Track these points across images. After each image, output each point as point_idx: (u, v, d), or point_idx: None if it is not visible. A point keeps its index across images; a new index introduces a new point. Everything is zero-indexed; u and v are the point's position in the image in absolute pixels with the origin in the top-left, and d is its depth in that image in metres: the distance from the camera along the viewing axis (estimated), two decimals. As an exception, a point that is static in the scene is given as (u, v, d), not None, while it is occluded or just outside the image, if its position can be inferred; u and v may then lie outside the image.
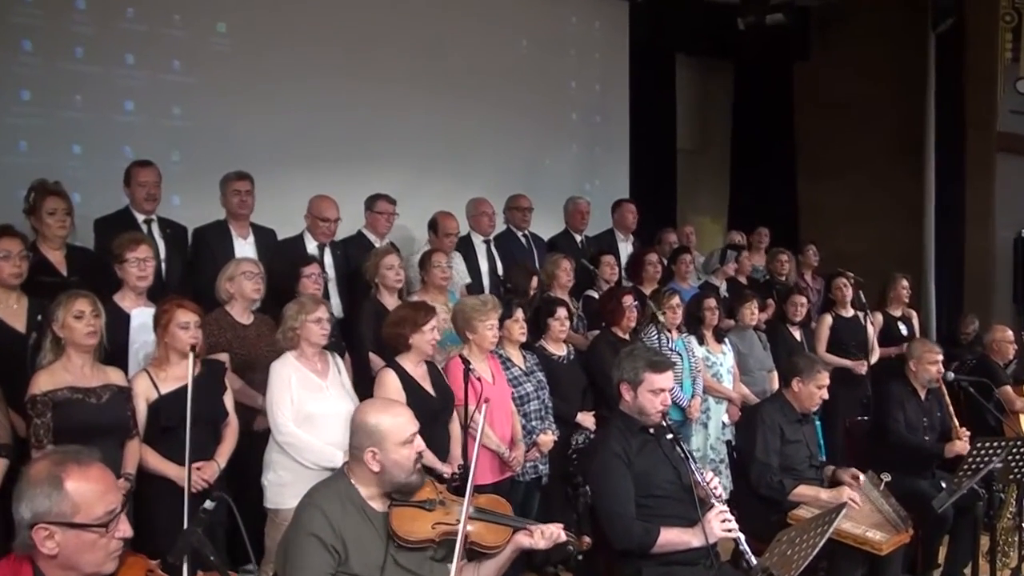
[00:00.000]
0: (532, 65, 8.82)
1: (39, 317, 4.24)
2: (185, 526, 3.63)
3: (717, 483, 3.92)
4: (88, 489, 2.31)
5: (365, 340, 5.48)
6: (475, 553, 3.21)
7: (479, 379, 4.76)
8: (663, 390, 3.97)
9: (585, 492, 4.15)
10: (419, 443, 3.15)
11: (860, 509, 4.61)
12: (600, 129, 9.54)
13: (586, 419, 5.63)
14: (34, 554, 2.31)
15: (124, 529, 2.35)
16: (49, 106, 6.39)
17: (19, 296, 4.44)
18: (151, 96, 6.73)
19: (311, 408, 4.51)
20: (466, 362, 4.66)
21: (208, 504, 2.59)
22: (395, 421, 3.11)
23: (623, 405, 4.07)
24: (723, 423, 6.44)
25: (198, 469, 4.20)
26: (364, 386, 4.90)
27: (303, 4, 7.39)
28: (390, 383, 4.62)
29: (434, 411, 4.69)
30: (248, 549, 2.91)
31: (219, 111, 6.95)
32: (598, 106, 9.50)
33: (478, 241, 6.99)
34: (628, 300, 6.16)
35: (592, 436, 5.61)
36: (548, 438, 5.30)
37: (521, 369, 5.38)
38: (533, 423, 5.31)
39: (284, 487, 4.47)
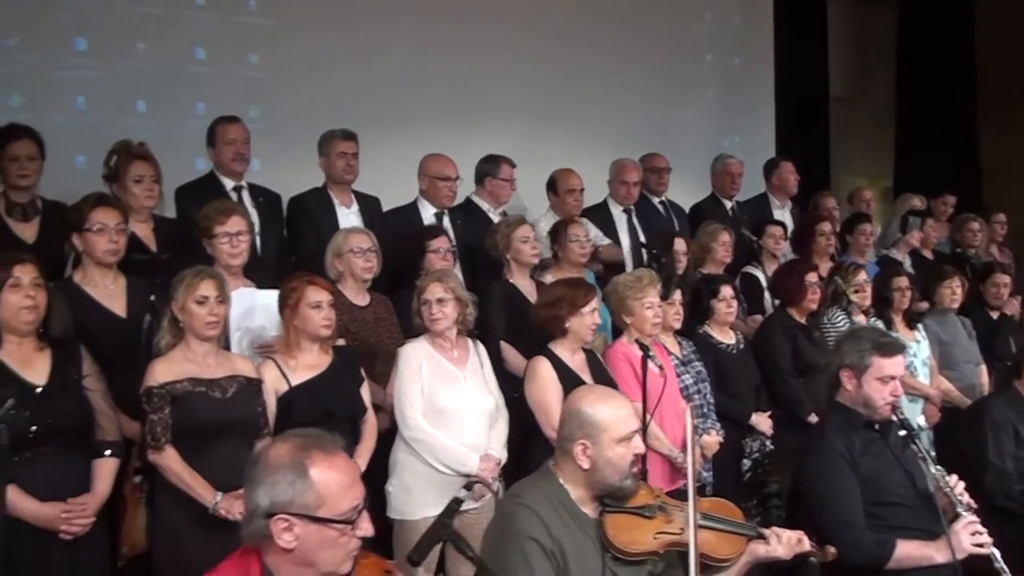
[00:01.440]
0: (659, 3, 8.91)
1: (152, 297, 4.41)
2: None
3: (963, 489, 3.93)
4: (334, 480, 2.44)
5: (495, 327, 5.58)
6: (704, 566, 3.27)
7: (661, 368, 4.86)
8: (893, 378, 4.01)
9: (779, 504, 4.26)
10: (638, 444, 3.23)
11: None
12: (740, 73, 9.58)
13: (762, 421, 5.72)
14: (264, 546, 2.45)
15: (366, 528, 2.47)
16: (108, 56, 6.62)
17: (116, 275, 4.61)
18: (224, 42, 6.95)
19: (444, 401, 4.67)
20: (644, 348, 4.76)
21: (462, 493, 2.72)
22: (615, 414, 3.22)
23: (842, 396, 4.13)
24: (918, 425, 6.42)
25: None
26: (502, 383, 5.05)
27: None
28: (545, 374, 4.77)
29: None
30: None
31: (303, 59, 7.14)
32: (738, 45, 9.56)
33: (617, 212, 7.10)
34: (812, 277, 6.23)
35: (767, 441, 5.71)
36: (713, 439, 5.40)
37: (678, 358, 5.50)
38: (695, 421, 5.37)
39: (410, 494, 4.63)
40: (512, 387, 5.12)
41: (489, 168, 6.62)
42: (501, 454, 4.77)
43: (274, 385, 4.39)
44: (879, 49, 11.00)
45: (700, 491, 5.44)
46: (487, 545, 3.20)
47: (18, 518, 3.56)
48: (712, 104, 9.39)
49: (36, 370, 3.87)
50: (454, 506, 2.76)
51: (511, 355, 5.49)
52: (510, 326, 5.56)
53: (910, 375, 6.40)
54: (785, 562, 3.35)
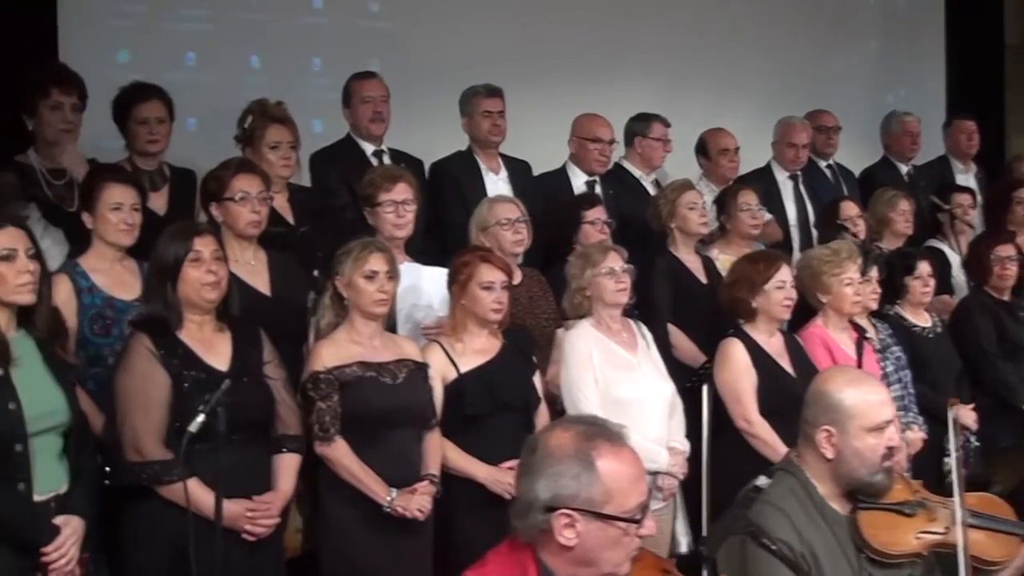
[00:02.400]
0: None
1: (316, 272, 4.52)
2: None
3: None
4: (622, 474, 2.50)
5: (660, 308, 5.61)
6: (973, 570, 3.30)
7: (880, 351, 4.88)
8: None
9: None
10: (892, 435, 3.24)
11: None
12: (906, 18, 9.46)
13: (966, 414, 5.62)
14: (540, 542, 2.53)
15: (650, 526, 2.54)
16: (217, 7, 6.80)
17: (256, 250, 4.71)
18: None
19: (622, 392, 4.74)
20: (860, 329, 4.78)
21: (762, 481, 2.77)
22: (865, 399, 3.25)
23: None
24: None
25: (511, 469, 4.43)
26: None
27: None
28: (738, 357, 4.85)
29: (796, 396, 4.82)
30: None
31: (430, 7, 7.23)
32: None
33: (783, 178, 7.09)
34: (1004, 250, 6.16)
35: (971, 437, 5.70)
36: (916, 435, 5.37)
37: (876, 343, 5.48)
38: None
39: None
40: (683, 376, 5.20)
41: (639, 127, 6.64)
42: (685, 446, 4.85)
43: (441, 371, 4.50)
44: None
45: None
46: (725, 547, 3.26)
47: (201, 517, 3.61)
48: (875, 54, 9.28)
49: (218, 354, 3.97)
50: (752, 495, 2.79)
51: (680, 340, 5.55)
52: (676, 307, 5.60)
53: None
54: None
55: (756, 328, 4.95)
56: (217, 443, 3.45)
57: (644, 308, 5.62)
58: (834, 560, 3.18)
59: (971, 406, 5.73)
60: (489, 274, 4.55)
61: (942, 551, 3.28)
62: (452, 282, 4.61)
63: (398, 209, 4.94)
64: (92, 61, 5.95)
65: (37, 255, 3.63)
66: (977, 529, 3.31)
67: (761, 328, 4.95)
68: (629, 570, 2.56)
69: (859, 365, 4.74)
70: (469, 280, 4.54)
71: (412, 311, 4.87)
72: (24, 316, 3.62)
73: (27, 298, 3.56)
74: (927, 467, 5.48)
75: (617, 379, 4.73)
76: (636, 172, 6.61)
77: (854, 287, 5.17)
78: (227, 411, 3.48)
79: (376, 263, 4.29)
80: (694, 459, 4.96)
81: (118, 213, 4.34)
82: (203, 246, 3.95)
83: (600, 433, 2.56)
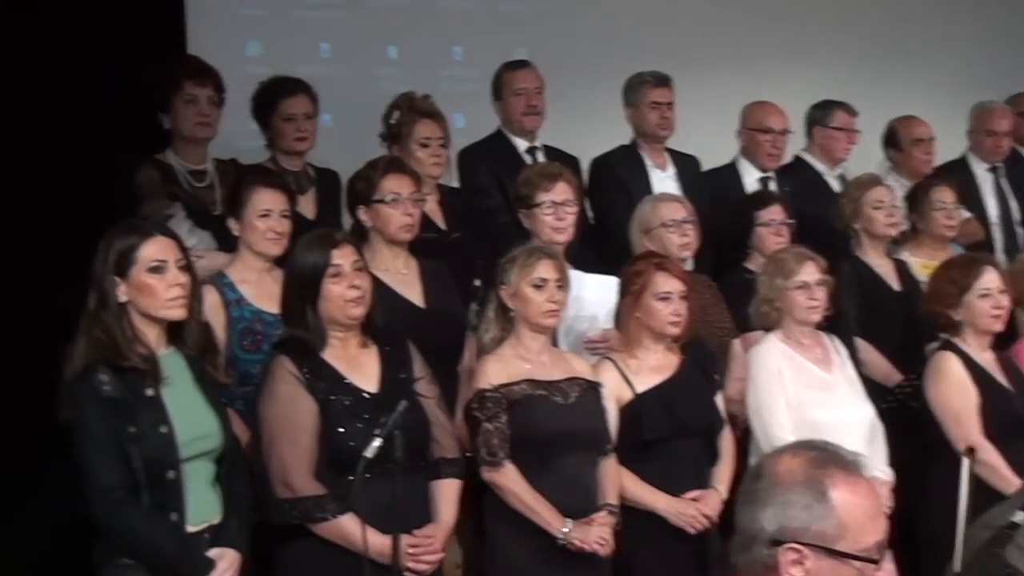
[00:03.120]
0: None
1: (476, 282, 4.52)
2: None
3: None
4: (859, 507, 2.42)
5: (847, 318, 5.48)
6: None
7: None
8: None
9: None
10: None
11: None
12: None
13: None
14: None
15: (889, 569, 2.47)
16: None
17: (407, 258, 4.72)
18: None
19: (818, 414, 4.67)
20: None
21: (1020, 517, 2.69)
22: None
23: None
24: None
25: (694, 500, 4.41)
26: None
27: None
28: (954, 372, 4.77)
29: (1018, 415, 4.74)
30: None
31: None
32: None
33: (981, 171, 6.90)
34: None
35: None
36: None
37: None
38: None
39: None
40: (876, 396, 5.09)
41: (819, 116, 6.54)
42: (889, 475, 4.75)
43: (615, 391, 4.47)
44: None
45: None
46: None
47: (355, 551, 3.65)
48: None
49: (365, 373, 3.98)
50: (1008, 532, 2.69)
51: (872, 356, 5.44)
52: (864, 318, 5.49)
53: None
54: None
55: (968, 341, 4.84)
56: (395, 472, 3.47)
57: (829, 320, 5.57)
58: None
59: None
60: (666, 283, 4.50)
61: None
62: (624, 293, 4.58)
63: (558, 211, 4.91)
64: (220, 54, 5.92)
65: (188, 266, 3.66)
66: None
67: (971, 342, 4.85)
68: None
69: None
70: (644, 290, 4.50)
71: (574, 323, 4.82)
72: (174, 332, 3.66)
73: (178, 313, 3.59)
74: None
75: (812, 400, 4.68)
76: (817, 166, 6.50)
77: (1077, 293, 5.04)
78: (404, 437, 3.51)
79: (545, 271, 4.28)
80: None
81: (266, 220, 4.38)
82: (343, 258, 3.94)
83: (834, 460, 2.47)
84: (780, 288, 4.76)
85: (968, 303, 4.83)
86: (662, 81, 6.04)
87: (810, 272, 4.76)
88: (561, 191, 4.94)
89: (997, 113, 6.94)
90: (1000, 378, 4.80)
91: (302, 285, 3.95)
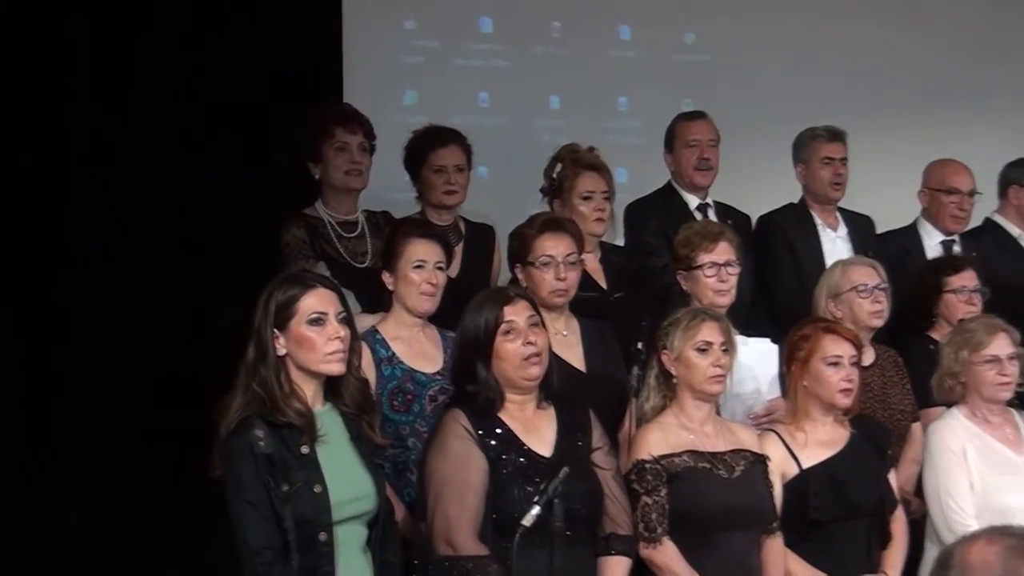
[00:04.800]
0: None
1: (639, 345, 4.54)
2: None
3: None
4: None
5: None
6: None
7: None
8: None
9: None
10: None
11: None
12: None
13: None
14: None
15: None
16: (514, 41, 6.98)
17: (568, 319, 4.76)
18: (654, 16, 7.17)
19: (1007, 500, 4.59)
20: None
21: None
22: None
23: None
24: None
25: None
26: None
27: None
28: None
29: None
30: None
31: (752, 38, 7.26)
32: None
33: None
34: None
35: None
36: None
37: None
38: None
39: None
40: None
41: (1016, 175, 6.47)
42: None
43: (780, 466, 4.45)
44: None
45: None
46: None
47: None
48: None
49: (542, 438, 3.98)
50: None
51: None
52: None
53: None
54: None
55: None
56: (553, 541, 3.51)
57: (1022, 397, 5.49)
58: None
59: None
60: (835, 347, 4.49)
61: None
62: (790, 359, 4.57)
63: (720, 272, 4.93)
64: (377, 103, 6.14)
65: (347, 320, 3.70)
66: None
67: None
68: None
69: None
70: (811, 355, 4.49)
71: (735, 389, 4.76)
72: (331, 388, 3.72)
73: (336, 368, 3.64)
74: None
75: (999, 484, 4.62)
76: (1012, 230, 6.43)
77: None
78: (565, 503, 3.55)
79: (710, 334, 4.29)
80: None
81: (421, 272, 4.45)
82: (515, 314, 3.96)
83: (1012, 539, 2.50)
84: (966, 361, 4.72)
85: None
86: (835, 136, 6.05)
87: (1002, 345, 4.72)
88: (723, 251, 4.96)
89: None
90: None
91: (474, 344, 3.96)
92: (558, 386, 4.22)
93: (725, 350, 4.32)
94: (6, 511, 5.39)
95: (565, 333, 4.72)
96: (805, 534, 4.41)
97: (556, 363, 4.42)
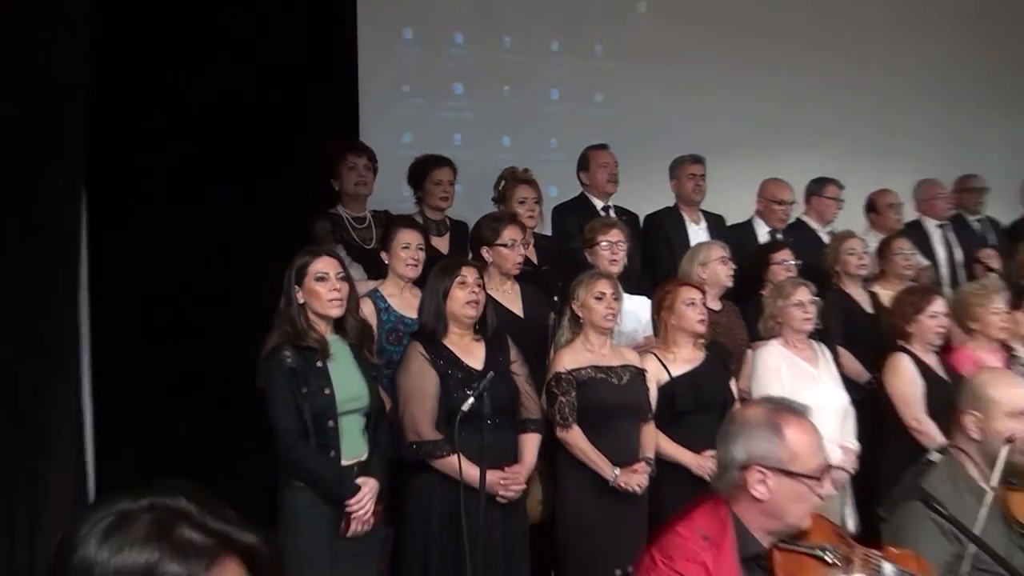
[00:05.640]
0: (964, 36, 8.47)
1: (556, 298, 4.55)
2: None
3: None
4: (805, 440, 2.47)
5: (832, 332, 5.40)
6: None
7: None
8: None
9: None
10: None
11: None
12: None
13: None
14: (734, 497, 2.49)
15: (828, 487, 2.46)
16: (478, 99, 6.92)
17: (512, 283, 4.75)
18: (574, 83, 7.14)
19: (805, 397, 4.45)
20: (1009, 348, 4.55)
21: (935, 456, 2.65)
22: (1010, 390, 3.12)
23: None
24: None
25: (711, 456, 4.34)
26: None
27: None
28: (907, 368, 4.65)
29: (951, 400, 4.60)
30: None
31: (640, 95, 7.24)
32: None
33: (931, 226, 6.81)
34: None
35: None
36: None
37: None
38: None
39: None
40: (851, 390, 4.96)
41: (816, 188, 6.48)
42: (855, 446, 4.66)
43: (656, 375, 4.43)
44: None
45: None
46: (895, 521, 3.12)
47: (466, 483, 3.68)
48: (1020, 124, 8.80)
49: (475, 357, 4.02)
50: (924, 467, 2.66)
51: (848, 360, 5.32)
52: (845, 333, 5.39)
53: None
54: None
55: (915, 348, 4.75)
56: (483, 424, 3.52)
57: (819, 333, 5.50)
58: (986, 532, 2.96)
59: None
60: (690, 294, 4.50)
61: None
62: (660, 306, 4.55)
63: (612, 248, 4.93)
64: (384, 141, 6.11)
65: (346, 278, 3.76)
66: None
67: (918, 348, 4.75)
68: (808, 525, 2.48)
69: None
70: (675, 301, 4.48)
71: (623, 328, 4.77)
72: (339, 325, 3.74)
73: (335, 311, 3.69)
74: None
75: (801, 388, 4.53)
76: (813, 225, 6.41)
77: (1000, 316, 4.91)
78: (491, 398, 3.56)
79: (603, 287, 4.28)
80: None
81: (407, 251, 4.45)
82: (468, 274, 4.03)
83: (786, 407, 2.55)
84: (781, 306, 4.71)
85: (920, 321, 4.75)
86: (697, 159, 6.02)
87: (804, 294, 4.71)
88: (615, 235, 4.96)
89: (936, 187, 6.92)
90: (941, 374, 4.68)
91: (437, 292, 4.02)
92: (503, 325, 4.30)
93: (615, 298, 4.31)
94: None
95: (510, 292, 4.73)
96: (672, 421, 4.40)
97: (503, 311, 4.53)
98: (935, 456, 2.66)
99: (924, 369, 4.65)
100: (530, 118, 6.99)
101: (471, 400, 3.54)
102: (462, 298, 4.00)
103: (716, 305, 5.15)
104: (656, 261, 5.76)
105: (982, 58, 8.57)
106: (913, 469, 2.76)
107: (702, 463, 4.30)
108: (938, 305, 4.77)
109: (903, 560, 2.56)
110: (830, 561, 2.45)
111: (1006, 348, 5.01)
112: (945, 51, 8.31)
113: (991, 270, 5.94)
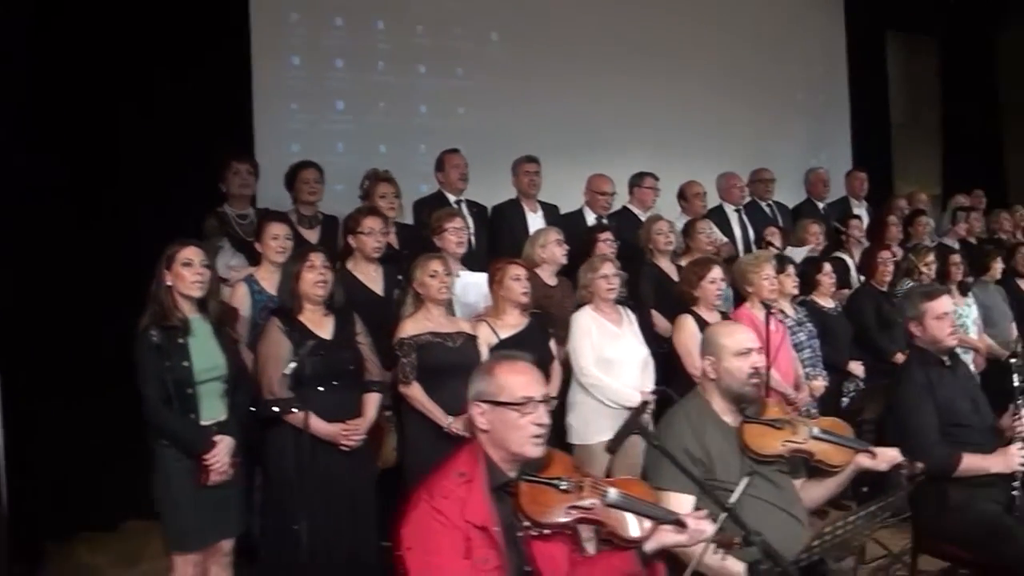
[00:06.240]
0: (759, 55, 8.55)
1: (399, 276, 4.40)
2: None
3: None
4: (511, 376, 2.39)
5: (646, 298, 5.39)
6: (817, 471, 3.12)
7: (782, 320, 4.64)
8: (946, 314, 3.71)
9: (871, 428, 3.99)
10: (756, 359, 3.06)
11: None
12: (823, 107, 9.15)
13: (856, 367, 5.39)
14: (476, 434, 2.42)
15: (539, 416, 2.36)
16: (358, 113, 6.70)
17: (376, 266, 4.59)
18: (441, 100, 6.97)
19: (609, 353, 4.50)
20: (767, 306, 4.54)
21: (649, 395, 2.59)
22: (733, 336, 3.09)
23: (917, 341, 3.81)
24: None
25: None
26: (648, 340, 4.85)
27: (559, 13, 7.49)
28: (689, 326, 4.59)
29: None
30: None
31: (498, 108, 7.11)
32: (820, 85, 9.14)
33: (730, 210, 6.81)
34: (885, 255, 5.90)
35: (860, 382, 5.41)
36: (820, 384, 5.10)
37: (793, 319, 5.20)
38: (805, 369, 5.12)
39: (588, 424, 4.47)
40: (658, 345, 4.96)
41: (637, 180, 6.42)
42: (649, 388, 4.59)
43: (487, 339, 4.30)
44: (927, 85, 10.33)
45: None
46: (650, 453, 3.07)
47: (312, 435, 3.59)
48: (802, 130, 8.98)
49: (324, 329, 3.86)
50: (642, 408, 2.58)
51: (659, 320, 5.28)
52: (657, 298, 5.36)
53: (963, 331, 5.99)
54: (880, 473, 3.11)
55: (701, 308, 4.71)
56: (310, 384, 3.51)
57: (635, 299, 5.46)
58: (725, 458, 2.99)
59: (860, 362, 5.44)
60: (516, 270, 4.38)
61: (801, 455, 3.08)
62: (492, 280, 4.43)
63: (458, 233, 4.82)
64: (276, 152, 5.93)
65: (210, 266, 3.59)
66: (826, 442, 3.08)
67: (703, 310, 4.71)
68: (536, 454, 2.38)
69: (767, 334, 4.47)
70: (504, 276, 4.36)
71: (463, 300, 4.68)
72: (203, 306, 3.56)
73: (196, 292, 3.51)
74: (829, 403, 5.23)
75: (607, 344, 4.52)
76: (636, 211, 6.34)
77: (770, 281, 4.89)
78: (316, 363, 3.60)
79: (436, 266, 4.15)
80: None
81: (276, 241, 4.29)
82: (315, 259, 3.87)
83: (504, 356, 2.52)
84: (590, 279, 4.63)
85: (702, 286, 4.70)
86: (531, 159, 5.90)
87: (608, 268, 4.62)
88: (459, 222, 4.85)
89: (733, 178, 6.91)
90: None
91: (290, 274, 3.88)
92: (363, 303, 4.23)
93: (447, 274, 4.18)
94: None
95: (373, 274, 4.58)
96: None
97: (366, 290, 4.46)
98: (650, 398, 2.60)
99: (705, 327, 4.57)
100: (402, 129, 6.79)
101: (293, 365, 3.43)
102: (311, 279, 3.83)
103: (553, 280, 5.04)
104: (500, 245, 5.63)
105: (776, 71, 8.71)
106: (634, 410, 2.68)
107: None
108: (716, 272, 4.72)
109: (628, 486, 2.49)
110: (563, 488, 2.37)
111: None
112: (746, 66, 8.38)
113: (771, 245, 5.95)
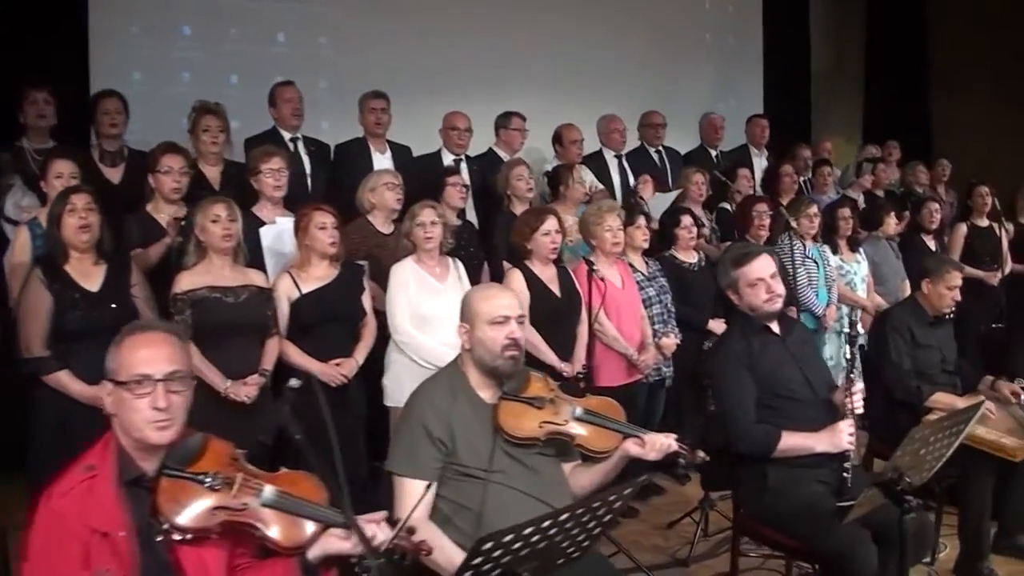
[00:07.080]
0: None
1: (183, 222, 4.01)
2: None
3: (860, 397, 3.26)
4: (132, 352, 2.07)
5: (499, 249, 5.08)
6: (584, 456, 2.83)
7: (603, 280, 4.32)
8: (761, 279, 3.38)
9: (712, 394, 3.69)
10: (514, 329, 2.73)
11: (995, 417, 3.92)
12: (734, 50, 8.78)
13: (717, 326, 5.10)
14: (110, 416, 2.11)
15: (155, 400, 2.03)
16: (209, 40, 6.23)
17: (179, 209, 4.21)
18: (300, 28, 6.50)
19: (426, 310, 4.17)
20: (589, 263, 4.23)
21: (293, 382, 2.24)
22: (488, 301, 2.76)
23: (739, 307, 3.51)
24: (859, 332, 5.73)
25: (337, 365, 3.97)
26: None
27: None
28: (515, 281, 4.28)
29: (559, 312, 4.33)
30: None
31: (360, 40, 6.65)
32: (732, 27, 8.75)
33: (609, 156, 6.46)
34: (760, 207, 5.61)
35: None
36: (670, 341, 4.86)
37: (643, 274, 4.95)
38: (656, 326, 4.89)
39: (402, 386, 4.10)
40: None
41: (503, 121, 6.05)
42: None
43: (287, 293, 3.97)
44: (852, 29, 9.98)
45: (660, 384, 4.95)
46: (393, 432, 2.77)
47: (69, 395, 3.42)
48: (710, 74, 8.60)
49: (92, 280, 3.56)
50: (288, 393, 2.23)
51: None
52: (511, 249, 4.95)
53: (850, 289, 5.87)
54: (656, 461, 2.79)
55: (535, 262, 4.39)
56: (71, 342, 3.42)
57: (488, 251, 5.13)
58: (471, 438, 2.68)
59: (723, 320, 5.14)
60: (321, 218, 4.01)
61: (561, 438, 2.76)
62: (296, 229, 4.06)
63: (274, 175, 4.39)
64: (114, 80, 5.37)
65: None
66: (589, 425, 2.76)
67: (538, 263, 4.39)
68: (158, 441, 2.05)
69: (588, 289, 4.21)
70: (308, 225, 4.00)
71: (280, 256, 4.30)
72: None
73: None
74: (687, 365, 4.99)
75: (425, 300, 4.18)
76: (502, 154, 5.96)
77: (612, 232, 4.59)
78: (78, 319, 3.46)
79: (218, 210, 3.74)
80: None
81: (59, 181, 3.94)
82: (77, 200, 3.53)
83: (138, 326, 2.17)
84: (410, 227, 4.26)
85: (536, 239, 4.37)
86: (378, 95, 5.48)
87: (428, 215, 4.25)
88: (276, 162, 4.41)
89: (614, 121, 6.54)
90: (553, 286, 4.37)
91: (52, 218, 3.56)
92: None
93: (232, 219, 3.77)
94: None
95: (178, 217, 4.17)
96: (302, 334, 3.97)
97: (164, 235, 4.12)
98: (295, 383, 2.25)
99: (534, 282, 4.29)
100: (258, 58, 6.30)
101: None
102: (73, 224, 3.51)
103: (388, 228, 4.68)
104: (341, 188, 5.21)
105: (682, 8, 8.30)
106: (282, 398, 2.31)
107: (329, 371, 3.93)
108: (550, 223, 4.39)
109: (293, 483, 2.16)
110: (208, 485, 2.04)
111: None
112: (649, 2, 7.98)
113: (639, 196, 5.63)
